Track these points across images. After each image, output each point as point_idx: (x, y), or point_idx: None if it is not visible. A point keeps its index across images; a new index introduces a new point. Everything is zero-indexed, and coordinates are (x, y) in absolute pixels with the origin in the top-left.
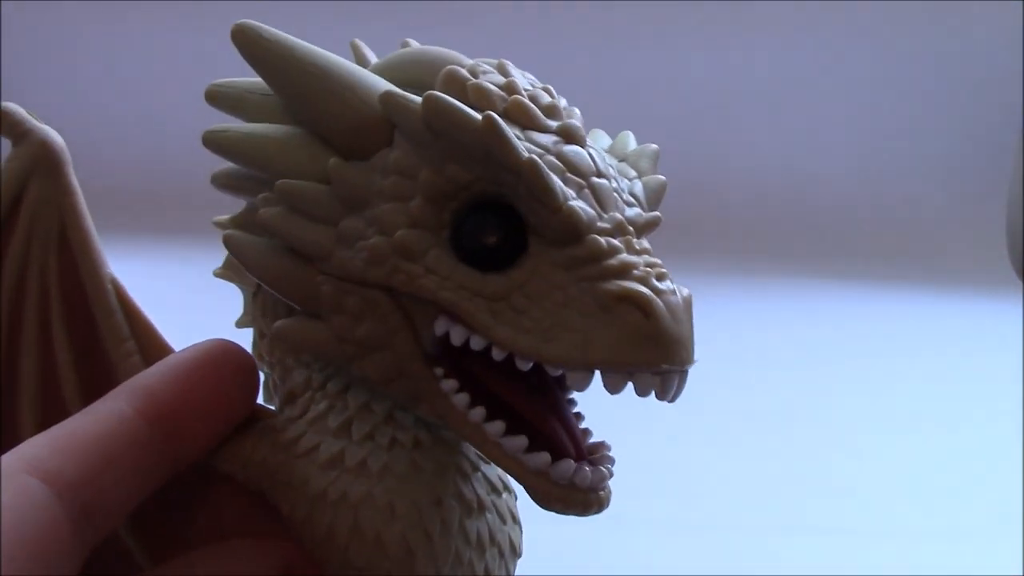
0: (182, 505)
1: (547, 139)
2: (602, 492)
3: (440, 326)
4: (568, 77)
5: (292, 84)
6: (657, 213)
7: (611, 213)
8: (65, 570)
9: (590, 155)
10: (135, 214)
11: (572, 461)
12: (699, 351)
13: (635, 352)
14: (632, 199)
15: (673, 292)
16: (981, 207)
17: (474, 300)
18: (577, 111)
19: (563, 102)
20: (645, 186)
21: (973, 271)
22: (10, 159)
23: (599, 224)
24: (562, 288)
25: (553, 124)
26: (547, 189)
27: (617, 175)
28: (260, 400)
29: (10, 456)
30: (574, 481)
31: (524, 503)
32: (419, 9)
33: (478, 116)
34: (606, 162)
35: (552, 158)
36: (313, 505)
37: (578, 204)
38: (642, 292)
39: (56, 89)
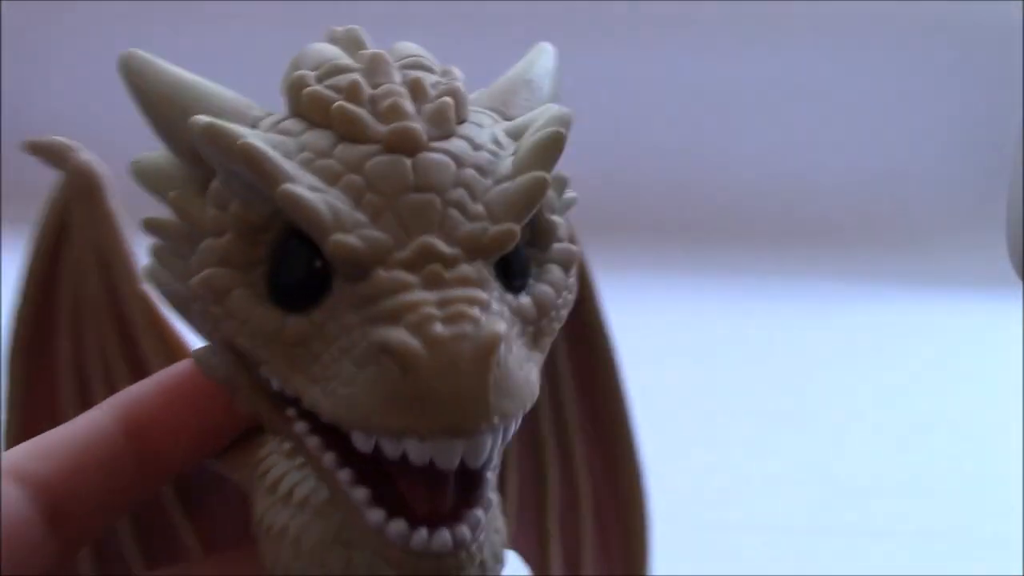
0: (211, 508)
1: (361, 151)
2: (460, 555)
3: (263, 370)
4: (568, 78)
5: (152, 109)
6: (507, 227)
7: (418, 238)
8: (39, 565)
9: (418, 164)
10: (134, 214)
11: (424, 530)
12: (699, 352)
13: (390, 415)
14: (480, 211)
15: (462, 338)
16: (981, 207)
17: (270, 346)
18: (447, 100)
19: (435, 88)
20: (509, 191)
21: (973, 271)
22: (54, 188)
23: (395, 254)
24: (348, 332)
25: (383, 130)
26: (309, 221)
27: (474, 178)
28: None
29: None
30: (430, 547)
31: None
32: (419, 8)
33: (240, 139)
34: (458, 165)
35: (353, 176)
36: (258, 529)
37: (356, 235)
38: (401, 343)
39: (56, 89)
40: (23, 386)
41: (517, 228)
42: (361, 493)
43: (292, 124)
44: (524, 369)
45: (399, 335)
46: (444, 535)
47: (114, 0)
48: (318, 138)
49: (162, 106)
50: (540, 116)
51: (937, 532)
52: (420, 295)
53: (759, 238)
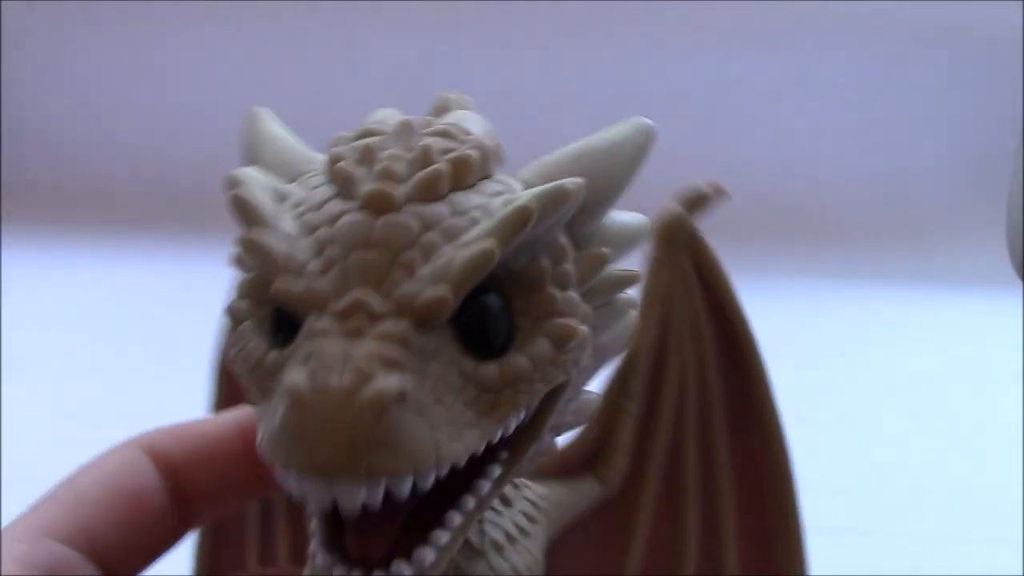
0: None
1: (340, 208)
2: None
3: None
4: (568, 78)
5: (245, 159)
6: (439, 292)
7: (356, 291)
8: (159, 537)
9: (381, 224)
10: (134, 213)
11: (357, 570)
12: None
13: (276, 448)
14: (426, 274)
15: (351, 390)
16: (981, 207)
17: (252, 375)
18: (443, 168)
19: (443, 155)
20: (455, 258)
21: (973, 271)
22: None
23: (331, 304)
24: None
25: (365, 190)
26: (263, 264)
27: (434, 243)
28: None
29: (135, 436)
30: None
31: None
32: (421, 9)
33: (234, 189)
34: (425, 228)
35: (325, 229)
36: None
37: (301, 282)
38: (292, 383)
39: (56, 89)
40: (225, 397)
41: (449, 295)
42: (316, 525)
43: (316, 178)
44: (443, 433)
45: (295, 376)
46: None
47: (114, 0)
48: (320, 193)
49: (250, 159)
50: (539, 189)
51: (936, 532)
52: (332, 344)
53: (759, 237)
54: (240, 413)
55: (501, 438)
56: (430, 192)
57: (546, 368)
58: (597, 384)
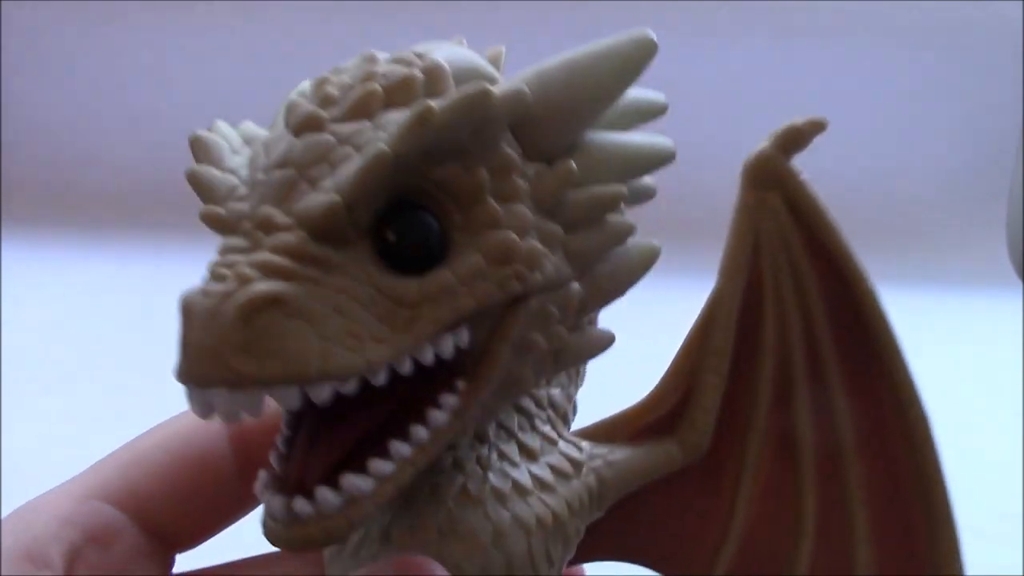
0: None
1: (275, 134)
2: (327, 522)
3: None
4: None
5: None
6: (325, 197)
7: (263, 208)
8: (226, 505)
9: (297, 142)
10: (135, 213)
11: (279, 497)
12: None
13: (176, 358)
14: (328, 185)
15: (224, 295)
16: (981, 207)
17: None
18: (376, 89)
19: (385, 78)
20: (351, 164)
21: (973, 271)
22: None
23: (244, 223)
24: None
25: (300, 115)
26: (200, 195)
27: (344, 156)
28: None
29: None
30: (268, 509)
31: None
32: (422, 9)
33: (196, 133)
34: (340, 143)
35: (256, 150)
36: None
37: (226, 206)
38: (184, 296)
39: (56, 90)
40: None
41: (339, 201)
42: (275, 449)
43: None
44: (337, 343)
45: (189, 290)
46: (300, 503)
47: (114, 1)
48: (276, 127)
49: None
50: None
51: None
52: (227, 257)
53: None
54: None
55: (450, 364)
56: (354, 111)
57: (474, 282)
58: (609, 323)
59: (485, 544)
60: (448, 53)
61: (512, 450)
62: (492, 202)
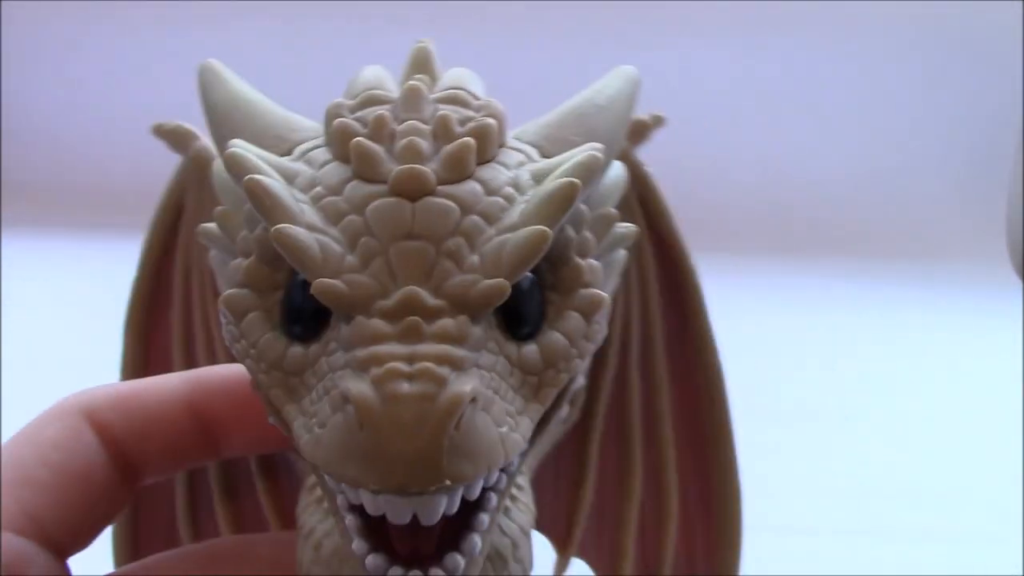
0: (284, 488)
1: (367, 191)
2: None
3: (264, 395)
4: (568, 77)
5: (211, 125)
6: (496, 283)
7: (404, 288)
8: (109, 509)
9: (419, 209)
10: (135, 213)
11: (398, 568)
12: None
13: (346, 465)
14: (474, 263)
15: (421, 398)
16: (981, 207)
17: (272, 372)
18: (469, 142)
19: (462, 126)
20: (506, 245)
21: (973, 271)
22: (175, 171)
23: (378, 302)
24: (332, 372)
25: (393, 170)
26: (300, 261)
27: (475, 227)
28: None
29: (71, 398)
30: None
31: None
32: (422, 9)
33: (249, 174)
34: (463, 211)
35: (355, 217)
36: (297, 523)
37: (343, 279)
38: (360, 396)
39: (56, 89)
40: (138, 358)
41: (508, 285)
42: (352, 520)
43: (320, 153)
44: (504, 426)
45: (360, 388)
46: (435, 570)
47: (114, 0)
48: (335, 173)
49: (218, 123)
50: (569, 159)
51: (936, 532)
52: (392, 348)
53: (755, 238)
54: (183, 380)
55: None
56: (460, 169)
57: (580, 342)
58: None
59: (507, 559)
60: (481, 87)
61: None
62: (577, 260)
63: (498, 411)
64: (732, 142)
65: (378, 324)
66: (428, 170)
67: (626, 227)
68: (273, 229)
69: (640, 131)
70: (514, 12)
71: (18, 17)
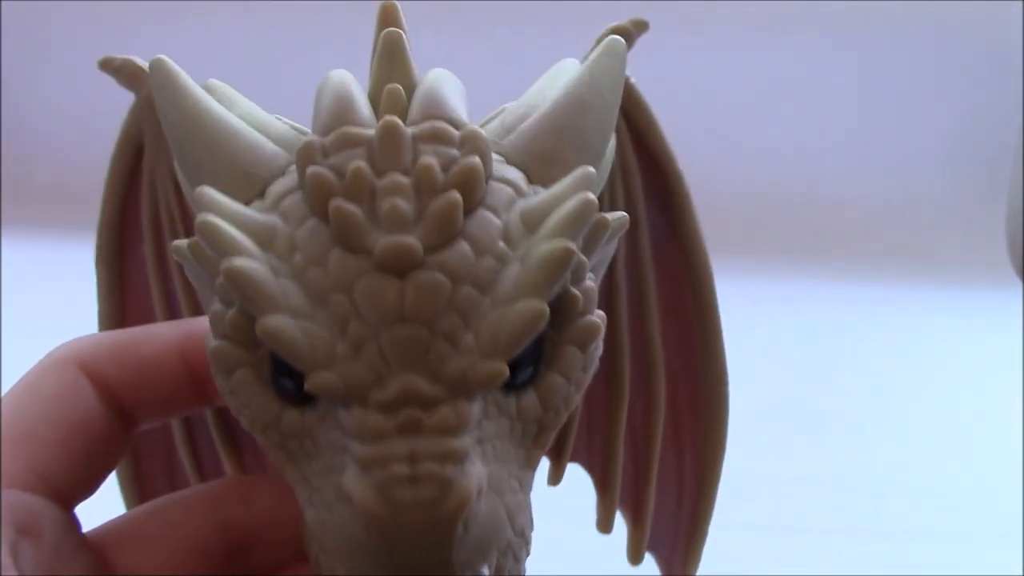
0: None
1: (352, 266)
2: None
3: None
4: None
5: (175, 144)
6: (494, 367)
7: (399, 376)
8: (111, 458)
9: (408, 288)
10: None
11: None
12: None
13: (357, 562)
14: (470, 342)
15: (428, 504)
16: (981, 207)
17: (268, 433)
18: (453, 198)
19: (446, 174)
20: (503, 323)
21: (973, 271)
22: (130, 108)
23: (374, 393)
24: (332, 451)
25: (377, 241)
26: (289, 356)
27: (469, 301)
28: None
29: (63, 348)
30: None
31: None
32: (422, 8)
33: (228, 261)
34: (455, 283)
35: (341, 297)
36: None
37: (336, 371)
38: (364, 502)
39: (56, 89)
40: (113, 294)
41: (506, 368)
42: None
43: (295, 204)
44: (509, 493)
45: (364, 493)
46: None
47: (114, 1)
48: (314, 237)
49: (179, 145)
50: (560, 200)
51: (937, 532)
52: (392, 447)
53: (756, 238)
54: (174, 331)
55: None
56: (447, 231)
57: (579, 376)
58: None
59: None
60: (457, 93)
61: None
62: (572, 290)
63: (502, 482)
64: (732, 142)
65: (376, 418)
66: (414, 241)
67: (618, 218)
68: (258, 324)
69: (623, 36)
70: (512, 11)
71: (18, 17)
